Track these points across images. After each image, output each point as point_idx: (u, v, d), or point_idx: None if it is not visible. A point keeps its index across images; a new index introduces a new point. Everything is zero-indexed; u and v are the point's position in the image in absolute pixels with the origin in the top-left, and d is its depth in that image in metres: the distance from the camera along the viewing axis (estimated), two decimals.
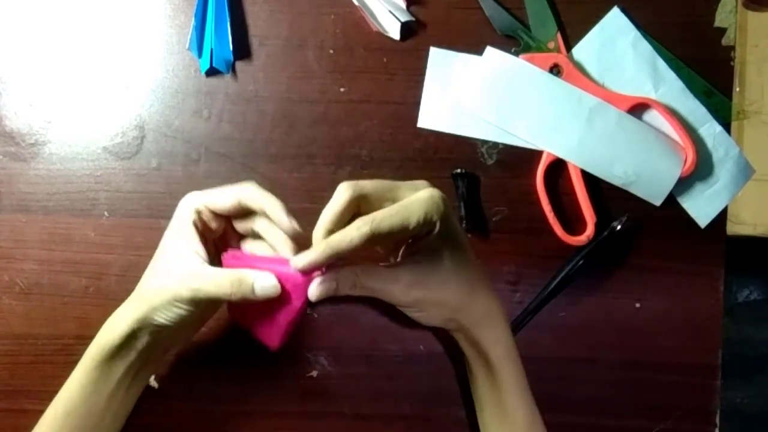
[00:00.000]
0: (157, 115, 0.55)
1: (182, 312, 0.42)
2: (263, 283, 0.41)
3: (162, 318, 0.42)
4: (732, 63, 0.56)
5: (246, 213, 0.45)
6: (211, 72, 0.55)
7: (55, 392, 0.47)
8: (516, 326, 0.55)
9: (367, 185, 0.42)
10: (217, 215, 0.45)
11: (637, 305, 0.57)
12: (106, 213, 0.55)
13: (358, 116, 0.55)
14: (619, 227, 0.55)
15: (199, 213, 0.44)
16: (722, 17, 0.55)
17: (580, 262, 0.55)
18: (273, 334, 0.45)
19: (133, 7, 0.55)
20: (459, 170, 0.55)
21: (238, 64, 0.55)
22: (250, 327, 0.46)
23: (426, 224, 0.41)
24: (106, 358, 0.44)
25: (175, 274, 0.42)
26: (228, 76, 0.55)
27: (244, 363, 0.55)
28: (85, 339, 0.48)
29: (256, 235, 0.47)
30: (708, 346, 0.57)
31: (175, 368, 0.55)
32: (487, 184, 0.56)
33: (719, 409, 0.57)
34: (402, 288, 0.43)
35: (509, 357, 0.47)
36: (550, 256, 0.56)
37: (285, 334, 0.45)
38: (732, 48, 0.55)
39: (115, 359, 0.45)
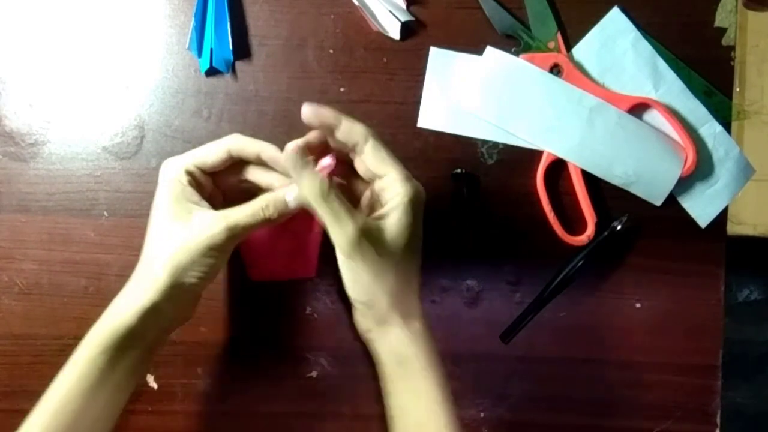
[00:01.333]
0: (156, 115, 0.55)
1: (214, 261, 0.43)
2: (294, 193, 0.44)
3: (194, 275, 0.43)
4: (732, 63, 0.56)
5: (230, 167, 0.47)
6: (211, 72, 0.55)
7: None
8: (516, 326, 0.55)
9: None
10: (205, 173, 0.46)
11: (638, 305, 0.57)
12: (105, 213, 0.55)
13: (358, 116, 0.54)
14: (619, 227, 0.55)
15: (191, 174, 0.45)
16: (722, 17, 0.55)
17: (581, 262, 0.55)
18: (308, 265, 0.50)
19: (133, 7, 0.55)
20: (459, 170, 0.55)
21: (238, 64, 0.55)
22: (281, 272, 0.50)
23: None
24: (118, 343, 0.43)
25: (197, 226, 0.43)
26: (228, 76, 0.55)
27: (243, 363, 0.55)
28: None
29: (240, 189, 0.48)
30: (708, 346, 0.57)
31: (175, 368, 0.55)
32: (487, 184, 0.56)
33: (720, 409, 0.57)
34: (353, 229, 0.42)
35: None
36: (551, 256, 0.56)
37: (317, 260, 0.50)
38: (732, 48, 0.55)
39: (128, 346, 0.43)
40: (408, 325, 0.45)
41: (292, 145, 0.43)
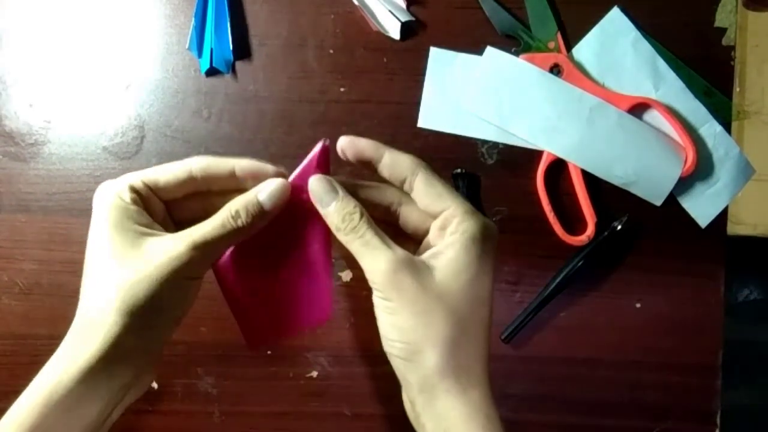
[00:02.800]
0: (156, 115, 0.55)
1: (182, 292, 0.36)
2: (267, 191, 0.36)
3: (161, 313, 0.35)
4: (732, 63, 0.56)
5: (190, 197, 0.39)
6: (211, 72, 0.55)
7: None
8: (517, 326, 0.55)
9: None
10: (157, 196, 0.38)
11: (638, 305, 0.57)
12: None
13: (358, 116, 0.55)
14: (619, 227, 0.55)
15: (136, 192, 0.36)
16: (722, 17, 0.55)
17: (581, 262, 0.55)
18: (322, 306, 0.39)
19: (133, 7, 0.55)
20: (459, 170, 0.55)
21: (238, 64, 0.55)
22: (287, 328, 0.40)
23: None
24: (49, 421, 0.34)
25: (153, 252, 0.34)
26: (228, 76, 0.55)
27: (243, 363, 0.55)
28: None
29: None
30: (708, 346, 0.57)
31: (175, 368, 0.54)
32: (487, 184, 0.56)
33: (720, 409, 0.57)
34: (387, 258, 0.34)
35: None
36: (551, 256, 0.56)
37: (332, 296, 0.40)
38: (732, 48, 0.55)
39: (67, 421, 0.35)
40: (463, 393, 0.35)
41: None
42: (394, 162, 0.37)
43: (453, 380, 0.34)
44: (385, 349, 0.36)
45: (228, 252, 0.38)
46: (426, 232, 0.38)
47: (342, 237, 0.36)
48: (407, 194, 0.38)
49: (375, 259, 0.34)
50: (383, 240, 0.35)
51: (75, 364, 0.34)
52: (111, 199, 0.36)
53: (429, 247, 0.37)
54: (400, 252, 0.35)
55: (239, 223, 0.35)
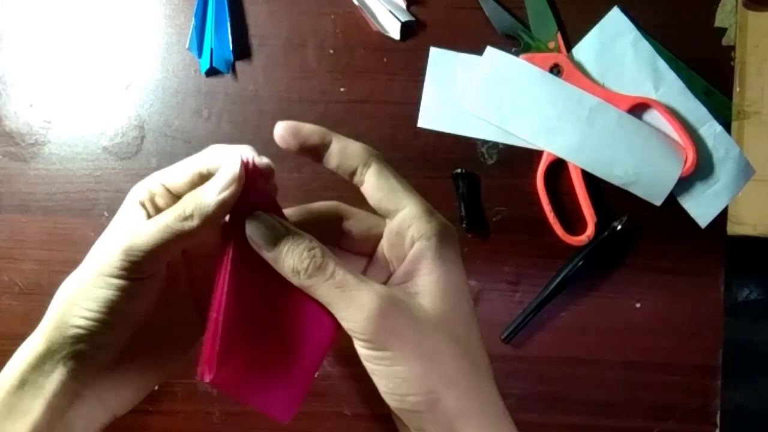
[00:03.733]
0: (157, 115, 0.55)
1: (107, 292, 0.29)
2: (216, 188, 0.29)
3: (79, 316, 0.30)
4: (732, 63, 0.56)
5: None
6: (211, 72, 0.55)
7: None
8: (516, 326, 0.55)
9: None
10: (173, 195, 0.32)
11: (638, 305, 0.57)
12: (105, 213, 0.55)
13: (358, 116, 0.55)
14: (619, 227, 0.55)
15: (152, 197, 0.32)
16: (722, 17, 0.55)
17: (581, 263, 0.55)
18: (291, 402, 0.32)
19: (133, 7, 0.55)
20: (459, 170, 0.55)
21: (238, 64, 0.55)
22: (248, 390, 0.31)
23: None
24: (7, 401, 0.31)
25: (99, 253, 0.30)
26: (228, 76, 0.55)
27: None
28: None
29: None
30: (708, 346, 0.57)
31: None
32: (487, 184, 0.56)
33: (720, 409, 0.57)
34: (372, 300, 0.29)
35: None
36: (551, 256, 0.56)
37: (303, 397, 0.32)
38: (732, 48, 0.55)
39: (12, 416, 0.30)
40: (488, 428, 0.30)
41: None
42: (343, 150, 0.31)
43: (479, 419, 0.29)
44: (391, 405, 0.30)
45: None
46: (375, 242, 0.32)
47: (304, 282, 0.29)
48: (346, 207, 0.33)
49: (355, 302, 0.29)
50: (358, 277, 0.29)
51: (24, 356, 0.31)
52: (132, 201, 0.32)
53: (384, 260, 0.32)
54: (379, 287, 0.29)
55: (187, 226, 0.29)
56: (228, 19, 0.53)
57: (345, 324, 0.29)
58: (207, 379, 0.29)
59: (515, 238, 0.56)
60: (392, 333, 0.28)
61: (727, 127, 0.55)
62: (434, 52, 0.55)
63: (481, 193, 0.56)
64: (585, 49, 0.55)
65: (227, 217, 0.31)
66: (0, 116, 0.55)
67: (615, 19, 0.55)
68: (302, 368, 0.32)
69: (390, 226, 0.32)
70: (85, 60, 0.55)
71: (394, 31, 0.54)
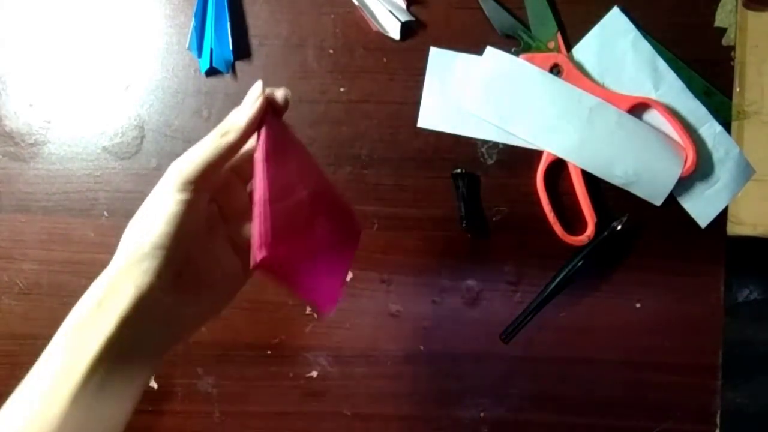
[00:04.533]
0: (156, 115, 0.55)
1: (174, 207, 0.34)
2: (252, 91, 0.36)
3: (152, 232, 0.34)
4: (732, 63, 0.56)
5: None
6: (211, 72, 0.55)
7: None
8: (516, 326, 0.55)
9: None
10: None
11: (638, 305, 0.57)
12: (105, 213, 0.55)
13: (358, 116, 0.55)
14: (619, 227, 0.55)
15: (193, 185, 0.35)
16: (722, 17, 0.55)
17: (581, 262, 0.55)
18: (332, 296, 0.38)
19: (133, 7, 0.55)
20: (459, 170, 0.55)
21: (238, 64, 0.55)
22: (300, 281, 0.37)
23: None
24: (75, 332, 0.34)
25: (158, 186, 0.35)
26: (228, 76, 0.55)
27: (243, 363, 0.55)
28: None
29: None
30: (708, 346, 0.57)
31: (175, 368, 0.54)
32: (487, 184, 0.56)
33: (719, 408, 0.57)
34: None
35: None
36: (551, 256, 0.56)
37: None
38: (732, 48, 0.55)
39: (86, 331, 0.33)
40: None
41: None
42: None
43: None
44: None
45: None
46: None
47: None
48: None
49: None
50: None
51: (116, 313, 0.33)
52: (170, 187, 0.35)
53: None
54: None
55: (227, 140, 0.35)
56: (228, 19, 0.53)
57: None
58: (260, 257, 0.33)
59: (515, 238, 0.56)
60: None
61: (727, 127, 0.55)
62: (434, 52, 0.55)
63: (481, 193, 0.56)
64: (585, 49, 0.55)
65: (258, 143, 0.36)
66: (0, 116, 0.55)
67: (615, 19, 0.55)
68: (338, 261, 0.38)
69: None
70: (85, 60, 0.55)
71: (394, 31, 0.54)
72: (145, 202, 0.36)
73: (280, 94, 0.37)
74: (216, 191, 0.39)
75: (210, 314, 0.39)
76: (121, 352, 0.33)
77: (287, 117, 0.37)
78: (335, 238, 0.39)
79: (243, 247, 0.38)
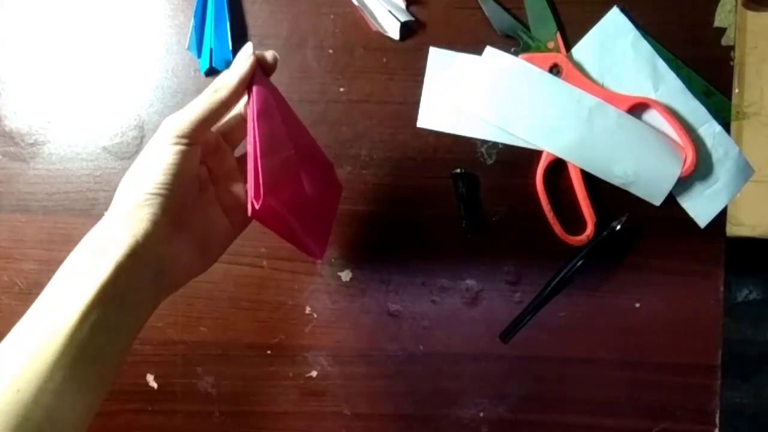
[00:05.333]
0: (156, 115, 0.55)
1: (170, 158, 0.37)
2: (243, 52, 0.39)
3: (148, 180, 0.36)
4: (731, 63, 0.55)
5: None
6: (211, 72, 0.55)
7: None
8: (516, 326, 0.55)
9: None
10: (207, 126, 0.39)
11: (637, 305, 0.57)
12: (105, 213, 0.54)
13: (358, 116, 0.55)
14: (618, 227, 0.54)
15: (188, 138, 0.38)
16: (722, 17, 0.55)
17: (580, 262, 0.54)
18: (320, 243, 0.44)
19: (133, 7, 0.55)
20: (458, 170, 0.55)
21: None
22: (290, 227, 0.41)
23: None
24: (73, 274, 0.35)
25: (155, 138, 0.38)
26: None
27: (243, 363, 0.55)
28: None
29: None
30: (708, 346, 0.57)
31: (174, 368, 0.54)
32: (486, 184, 0.56)
33: (719, 409, 0.57)
34: None
35: None
36: (550, 255, 0.56)
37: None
38: (731, 48, 0.55)
39: (82, 274, 0.35)
40: None
41: None
42: None
43: None
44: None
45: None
46: None
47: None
48: None
49: None
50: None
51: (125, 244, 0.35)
52: (166, 140, 0.38)
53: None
54: None
55: (219, 96, 0.38)
56: (227, 18, 0.53)
57: None
58: (256, 206, 0.36)
59: (515, 238, 0.56)
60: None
61: (727, 127, 0.55)
62: (434, 52, 0.55)
63: (481, 193, 0.56)
64: (584, 49, 0.55)
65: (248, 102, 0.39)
66: (0, 116, 0.55)
67: (614, 18, 0.55)
68: (324, 212, 0.43)
69: None
70: (85, 60, 0.55)
71: (393, 31, 0.54)
72: (140, 155, 0.38)
73: (269, 54, 0.39)
74: (206, 155, 0.41)
75: (200, 269, 0.41)
76: (115, 297, 0.34)
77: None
78: (320, 190, 0.42)
79: (231, 207, 0.42)
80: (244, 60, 0.38)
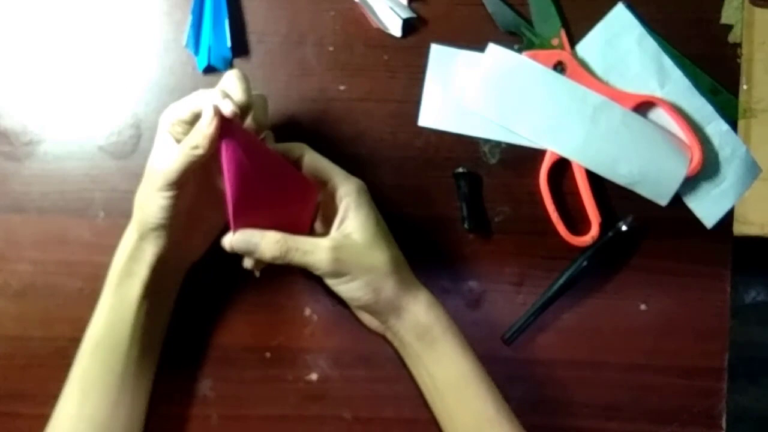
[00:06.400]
0: (153, 114, 0.54)
1: (164, 202, 0.44)
2: (204, 115, 0.41)
3: (152, 217, 0.44)
4: (739, 60, 0.55)
5: None
6: (209, 70, 0.54)
7: (51, 395, 0.47)
8: (519, 328, 0.55)
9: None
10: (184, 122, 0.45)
11: (643, 307, 0.56)
12: (101, 213, 0.54)
13: (358, 114, 0.55)
14: (624, 228, 0.54)
15: (173, 126, 0.45)
16: (729, 14, 0.55)
17: (585, 263, 0.54)
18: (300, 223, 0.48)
19: (129, 4, 0.54)
20: (461, 170, 0.54)
21: (236, 62, 0.54)
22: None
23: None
24: (120, 277, 0.46)
25: (151, 173, 0.45)
26: None
27: (243, 365, 0.55)
28: (80, 341, 0.47)
29: None
30: (714, 348, 0.56)
31: (172, 371, 0.54)
32: (489, 183, 0.55)
33: (726, 412, 0.56)
34: (323, 252, 0.44)
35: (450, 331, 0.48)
36: (554, 257, 0.55)
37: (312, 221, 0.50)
38: (739, 45, 0.55)
39: (129, 277, 0.47)
40: (416, 298, 0.48)
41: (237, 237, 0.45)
42: (284, 149, 0.47)
43: (406, 293, 0.47)
44: (353, 306, 0.49)
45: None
46: (321, 178, 0.48)
47: (283, 262, 0.44)
48: (306, 147, 0.49)
49: (316, 258, 0.44)
50: (312, 243, 0.45)
51: (125, 246, 0.47)
52: (161, 128, 0.46)
53: (329, 212, 0.48)
54: (324, 241, 0.45)
55: (198, 153, 0.42)
56: (226, 15, 0.53)
57: (316, 272, 0.45)
58: (232, 229, 0.44)
59: (518, 239, 0.56)
60: (344, 265, 0.45)
61: (734, 125, 0.55)
62: (435, 49, 0.54)
63: (483, 192, 0.55)
64: (589, 46, 0.55)
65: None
66: None
67: (620, 15, 0.54)
68: (299, 220, 0.48)
69: (325, 191, 0.48)
70: (81, 58, 0.54)
71: (394, 28, 0.54)
72: (138, 191, 0.46)
73: (227, 110, 0.41)
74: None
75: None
76: (154, 290, 0.47)
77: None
78: (295, 199, 0.47)
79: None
80: (208, 122, 0.41)
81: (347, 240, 0.46)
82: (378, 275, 0.46)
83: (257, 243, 0.44)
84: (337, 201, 0.47)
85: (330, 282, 0.46)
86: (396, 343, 0.50)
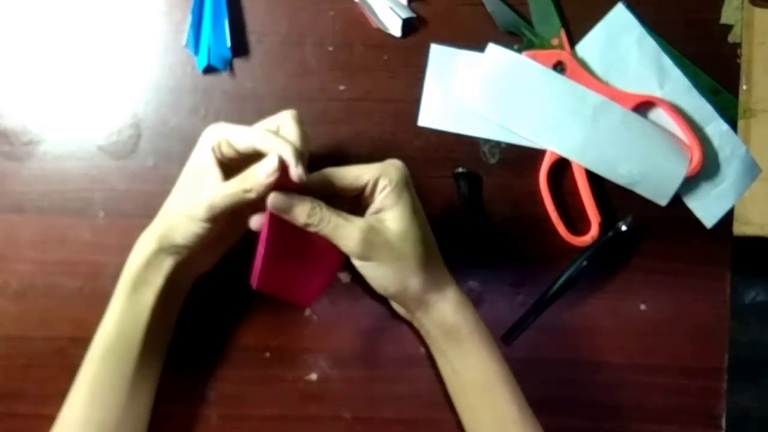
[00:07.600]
0: (153, 114, 0.54)
1: (199, 231, 0.44)
2: (267, 166, 0.41)
3: (181, 238, 0.45)
4: (738, 60, 0.55)
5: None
6: (208, 69, 0.54)
7: (51, 395, 0.47)
8: (519, 328, 0.55)
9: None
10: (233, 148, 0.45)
11: (642, 307, 0.56)
12: (101, 213, 0.54)
13: (358, 114, 0.55)
14: (624, 228, 0.54)
15: (219, 144, 0.45)
16: (728, 14, 0.55)
17: (584, 263, 0.54)
18: (307, 295, 0.49)
19: (129, 4, 0.54)
20: (460, 170, 0.54)
21: (236, 62, 0.54)
22: (282, 289, 0.47)
23: (375, 184, 0.45)
24: (135, 284, 0.46)
25: (192, 195, 0.45)
26: (225, 74, 0.54)
27: (242, 365, 0.55)
28: (80, 341, 0.47)
29: None
30: (714, 348, 0.56)
31: (172, 371, 0.54)
32: (489, 183, 0.55)
33: (725, 412, 0.56)
34: (355, 231, 0.43)
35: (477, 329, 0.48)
36: (554, 257, 0.55)
37: (319, 294, 0.50)
38: (738, 45, 0.55)
39: (143, 285, 0.46)
40: (445, 296, 0.47)
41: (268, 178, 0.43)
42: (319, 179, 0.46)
43: (435, 290, 0.47)
44: (381, 293, 0.47)
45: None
46: (356, 189, 0.46)
47: (314, 229, 0.43)
48: (334, 171, 0.46)
49: (345, 233, 0.43)
50: (346, 217, 0.43)
51: (143, 251, 0.47)
52: (208, 143, 0.45)
53: (367, 202, 0.46)
54: (359, 220, 0.44)
55: (249, 196, 0.42)
56: (226, 15, 0.53)
57: (343, 248, 0.44)
58: (254, 285, 0.45)
59: (518, 239, 0.55)
60: (373, 248, 0.44)
61: (734, 125, 0.55)
62: (435, 49, 0.54)
63: (483, 192, 0.55)
64: (589, 46, 0.55)
65: None
66: None
67: (619, 15, 0.54)
68: (322, 273, 0.49)
69: (366, 187, 0.46)
70: (81, 58, 0.54)
71: (394, 28, 0.54)
72: (170, 204, 0.47)
73: (295, 174, 0.42)
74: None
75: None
76: (166, 298, 0.47)
77: None
78: (322, 257, 0.47)
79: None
80: (270, 172, 0.41)
81: (381, 225, 0.45)
82: (406, 268, 0.45)
83: (293, 204, 0.43)
84: (377, 189, 0.45)
85: (357, 264, 0.45)
86: (422, 333, 0.50)
